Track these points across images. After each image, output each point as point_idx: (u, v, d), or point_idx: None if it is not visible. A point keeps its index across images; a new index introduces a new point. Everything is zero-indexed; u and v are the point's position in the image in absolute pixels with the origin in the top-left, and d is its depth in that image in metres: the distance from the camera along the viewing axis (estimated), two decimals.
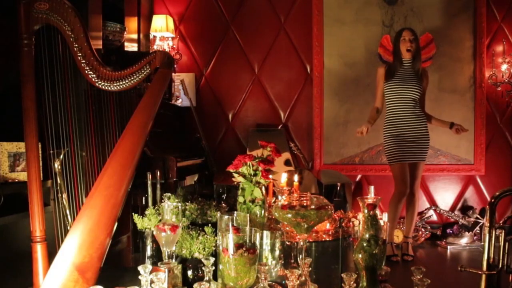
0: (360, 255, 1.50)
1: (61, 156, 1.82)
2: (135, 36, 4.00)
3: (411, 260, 3.24)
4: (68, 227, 1.75)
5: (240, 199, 1.83)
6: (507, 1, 4.11)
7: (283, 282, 1.68)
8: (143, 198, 2.15)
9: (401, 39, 3.28)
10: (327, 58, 4.19)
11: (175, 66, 4.24)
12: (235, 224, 1.57)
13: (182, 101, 4.12)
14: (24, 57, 1.70)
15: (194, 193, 2.50)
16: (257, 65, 4.28)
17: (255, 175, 1.81)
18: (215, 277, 1.59)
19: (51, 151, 1.79)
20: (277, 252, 1.76)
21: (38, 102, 1.72)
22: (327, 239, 1.85)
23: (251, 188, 1.80)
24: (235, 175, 1.84)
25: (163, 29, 4.05)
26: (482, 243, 2.02)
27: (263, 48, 4.26)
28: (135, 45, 4.01)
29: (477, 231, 3.92)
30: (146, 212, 1.88)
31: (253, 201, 1.79)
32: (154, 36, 4.14)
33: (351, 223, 1.98)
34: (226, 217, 1.59)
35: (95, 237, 1.71)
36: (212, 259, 1.53)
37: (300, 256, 1.62)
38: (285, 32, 4.25)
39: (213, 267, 1.54)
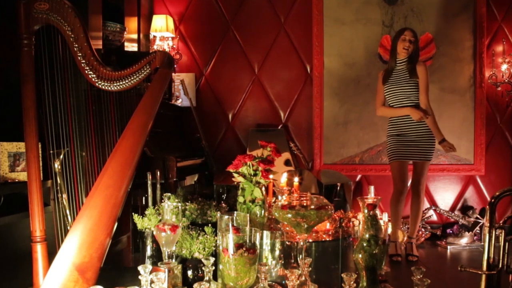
0: (360, 255, 1.50)
1: (61, 156, 1.83)
2: (135, 36, 4.00)
3: (416, 260, 3.23)
4: (68, 227, 1.75)
5: (240, 199, 1.83)
6: (507, 1, 4.10)
7: (283, 282, 1.68)
8: (143, 198, 2.16)
9: (401, 37, 3.26)
10: (327, 58, 4.19)
11: (175, 66, 4.24)
12: (235, 224, 1.57)
13: (182, 101, 4.12)
14: (24, 57, 1.70)
15: (194, 193, 2.51)
16: (257, 65, 4.28)
17: (255, 175, 1.81)
18: (215, 277, 1.59)
19: (51, 151, 1.79)
20: (277, 252, 1.76)
21: (38, 102, 1.72)
22: (327, 239, 1.84)
23: (251, 188, 1.80)
24: (235, 175, 1.84)
25: (163, 29, 4.05)
26: (482, 243, 2.02)
27: (263, 48, 4.26)
28: (135, 45, 4.01)
29: (477, 231, 3.91)
30: (146, 212, 1.88)
31: (253, 201, 1.80)
32: (154, 36, 4.14)
33: (351, 223, 1.98)
34: (226, 217, 1.59)
35: (95, 237, 1.71)
36: (212, 259, 1.53)
37: (300, 256, 1.62)
38: (285, 32, 4.25)
39: (213, 267, 1.54)
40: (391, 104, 3.33)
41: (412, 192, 3.30)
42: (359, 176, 4.25)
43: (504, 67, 4.02)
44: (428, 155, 3.26)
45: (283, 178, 2.55)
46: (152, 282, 1.44)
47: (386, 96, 3.34)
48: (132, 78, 1.94)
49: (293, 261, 1.77)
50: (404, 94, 3.25)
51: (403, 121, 3.28)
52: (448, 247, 3.70)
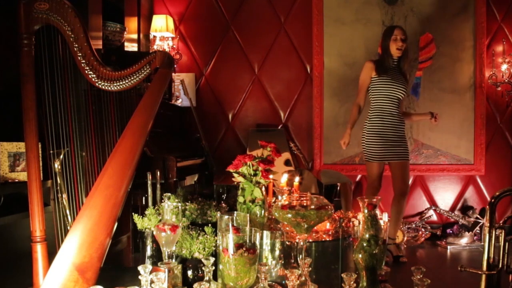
0: (360, 255, 1.50)
1: (61, 156, 1.82)
2: (135, 36, 4.00)
3: (406, 261, 3.21)
4: (68, 227, 1.75)
5: (240, 199, 1.82)
6: (507, 1, 4.11)
7: (283, 282, 1.68)
8: (143, 198, 2.16)
9: (392, 37, 3.21)
10: (327, 58, 4.19)
11: (175, 66, 4.24)
12: (235, 224, 1.57)
13: (182, 101, 4.12)
14: (24, 57, 1.70)
15: (194, 193, 2.50)
16: (257, 65, 4.28)
17: (255, 175, 1.81)
18: (215, 277, 1.59)
19: (51, 151, 1.79)
20: (277, 252, 1.76)
21: (38, 102, 1.72)
22: (327, 239, 1.84)
23: (251, 188, 1.80)
24: (235, 175, 1.83)
25: (163, 29, 4.05)
26: (482, 243, 2.02)
27: (263, 48, 4.27)
28: (135, 45, 4.01)
29: (477, 231, 3.92)
30: (146, 212, 1.88)
31: (253, 201, 1.79)
32: (154, 36, 4.14)
33: (351, 223, 1.97)
34: (226, 217, 1.59)
35: (95, 237, 1.70)
36: (212, 259, 1.53)
37: (300, 256, 1.61)
38: (285, 32, 4.26)
39: (213, 267, 1.54)
40: (378, 99, 3.28)
41: (399, 192, 3.24)
42: (359, 176, 4.25)
43: (504, 67, 4.02)
44: (408, 155, 3.31)
45: (283, 178, 2.54)
46: (152, 282, 1.44)
47: (377, 87, 3.26)
48: (132, 78, 1.94)
49: (293, 261, 1.77)
50: (396, 91, 3.24)
51: (383, 121, 3.24)
52: (448, 247, 3.70)
